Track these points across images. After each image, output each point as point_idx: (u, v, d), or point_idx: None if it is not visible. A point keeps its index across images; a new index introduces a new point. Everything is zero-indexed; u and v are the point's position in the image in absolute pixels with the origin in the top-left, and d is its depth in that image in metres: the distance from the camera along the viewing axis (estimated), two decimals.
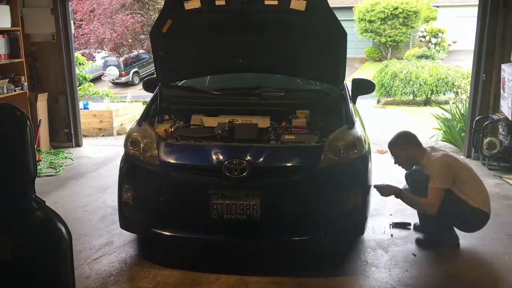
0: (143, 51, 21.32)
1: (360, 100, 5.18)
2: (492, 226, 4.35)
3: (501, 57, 6.15)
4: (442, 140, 8.12)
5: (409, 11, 22.89)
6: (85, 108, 9.94)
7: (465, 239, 4.07)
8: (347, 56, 4.17)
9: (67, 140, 7.44)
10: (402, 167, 4.03)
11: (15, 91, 6.47)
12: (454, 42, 23.79)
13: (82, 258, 3.76)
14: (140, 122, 3.94)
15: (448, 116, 8.24)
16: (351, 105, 4.11)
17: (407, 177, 4.10)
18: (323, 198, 3.49)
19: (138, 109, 10.74)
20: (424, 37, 23.18)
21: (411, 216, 4.53)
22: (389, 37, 23.34)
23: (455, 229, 3.90)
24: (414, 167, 3.98)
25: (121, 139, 8.56)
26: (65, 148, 7.35)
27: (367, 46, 25.26)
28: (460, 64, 15.61)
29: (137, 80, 21.01)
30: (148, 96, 4.65)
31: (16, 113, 2.08)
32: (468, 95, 7.32)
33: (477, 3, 6.41)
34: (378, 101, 15.19)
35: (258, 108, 4.21)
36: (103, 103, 10.98)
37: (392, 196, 3.84)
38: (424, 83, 14.12)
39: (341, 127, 3.77)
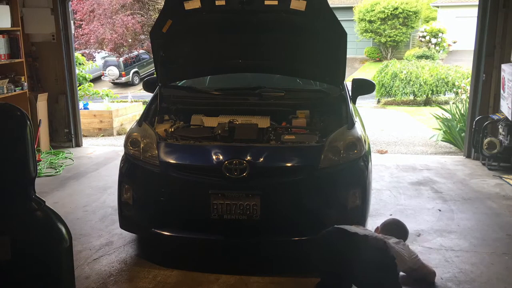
0: (143, 51, 21.33)
1: (360, 100, 5.17)
2: (492, 226, 4.36)
3: (501, 57, 6.15)
4: (442, 140, 8.11)
5: (409, 11, 22.91)
6: (85, 108, 9.96)
7: (465, 239, 4.07)
8: (347, 56, 4.17)
9: (67, 140, 7.44)
10: None
11: (15, 91, 6.48)
12: (454, 42, 23.82)
13: (82, 258, 3.76)
14: (140, 122, 3.94)
15: (448, 116, 8.24)
16: (351, 105, 4.11)
17: None
18: (323, 198, 3.49)
19: (138, 109, 10.76)
20: (424, 37, 23.20)
21: (411, 216, 4.54)
22: (389, 37, 23.36)
23: None
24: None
25: (121, 139, 8.58)
26: (65, 148, 7.35)
27: (367, 46, 25.29)
28: (460, 64, 15.63)
29: (137, 80, 21.02)
30: (148, 96, 4.65)
31: (16, 113, 2.08)
32: (468, 95, 7.32)
33: (477, 3, 6.41)
34: (378, 101, 15.19)
35: (258, 108, 4.20)
36: (103, 103, 10.99)
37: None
38: (424, 83, 14.12)
39: (341, 127, 3.77)
